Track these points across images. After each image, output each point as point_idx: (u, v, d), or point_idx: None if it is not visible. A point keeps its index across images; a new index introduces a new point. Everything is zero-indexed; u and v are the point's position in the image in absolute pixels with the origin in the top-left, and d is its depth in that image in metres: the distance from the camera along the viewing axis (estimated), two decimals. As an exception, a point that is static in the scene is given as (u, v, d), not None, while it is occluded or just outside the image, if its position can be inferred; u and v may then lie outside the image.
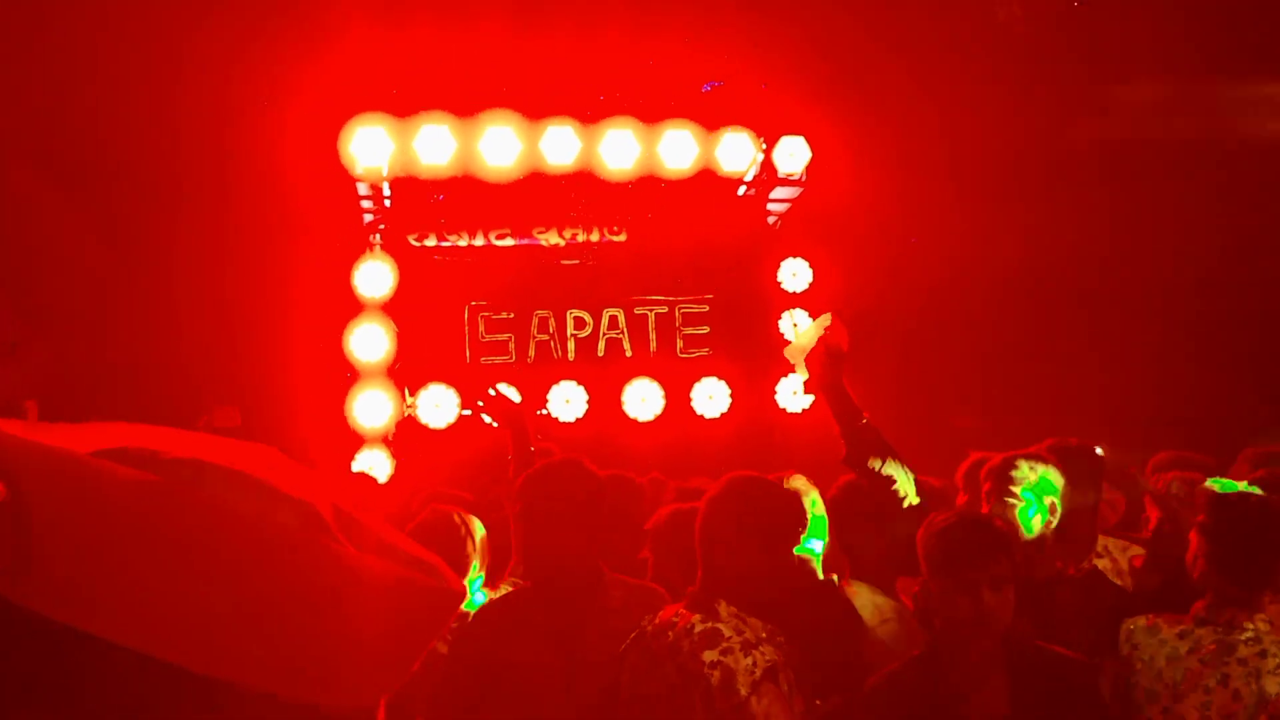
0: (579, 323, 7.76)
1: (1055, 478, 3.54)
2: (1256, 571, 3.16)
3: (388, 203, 7.72)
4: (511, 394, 7.46)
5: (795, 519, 3.10)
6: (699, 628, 2.81)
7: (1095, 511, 3.97)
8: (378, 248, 7.62)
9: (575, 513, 3.12)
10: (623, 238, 7.86)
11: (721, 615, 2.83)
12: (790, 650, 2.85)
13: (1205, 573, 3.20)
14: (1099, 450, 4.13)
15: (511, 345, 7.69)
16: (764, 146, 7.80)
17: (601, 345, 7.76)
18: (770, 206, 8.13)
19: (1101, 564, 3.91)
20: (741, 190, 8.09)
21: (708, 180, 7.83)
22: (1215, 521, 3.23)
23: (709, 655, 2.74)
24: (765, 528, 2.95)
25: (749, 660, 2.72)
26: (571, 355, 7.72)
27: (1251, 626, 3.07)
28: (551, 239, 7.81)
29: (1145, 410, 7.92)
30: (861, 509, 3.64)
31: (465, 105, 7.44)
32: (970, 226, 8.43)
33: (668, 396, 7.66)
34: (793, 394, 7.76)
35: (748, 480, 3.05)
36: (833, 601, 3.44)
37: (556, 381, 7.59)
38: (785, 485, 3.40)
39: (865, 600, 3.55)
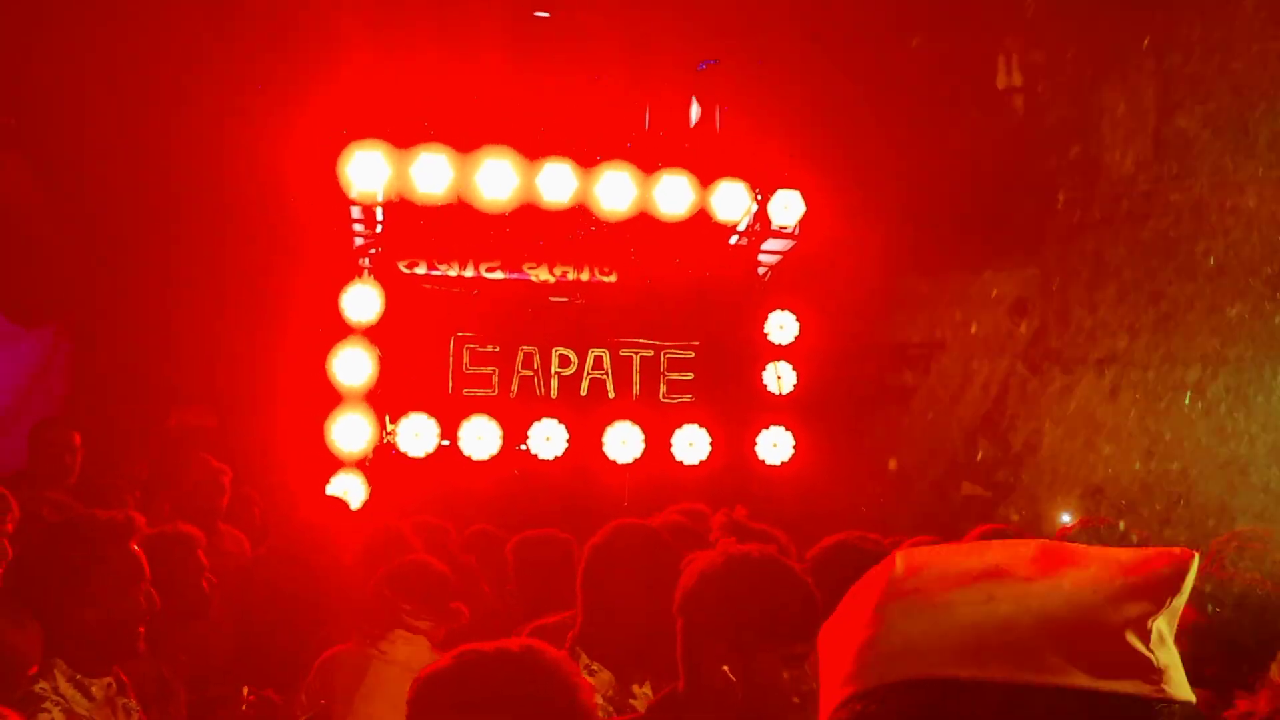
0: (564, 360, 7.76)
1: None
2: None
3: (379, 228, 7.73)
4: (492, 428, 7.56)
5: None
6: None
7: None
8: (367, 272, 7.62)
9: None
10: (613, 279, 7.88)
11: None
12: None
13: None
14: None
15: (495, 379, 7.69)
16: (759, 197, 7.84)
17: (585, 385, 7.76)
18: (761, 258, 8.16)
19: None
20: (734, 239, 8.12)
21: (701, 227, 7.86)
22: None
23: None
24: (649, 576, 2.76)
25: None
26: (554, 393, 7.72)
27: None
28: (542, 275, 7.82)
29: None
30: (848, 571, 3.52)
31: (465, 140, 7.46)
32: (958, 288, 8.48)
33: (648, 440, 7.65)
34: (772, 446, 7.77)
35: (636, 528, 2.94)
36: None
37: (538, 418, 7.57)
38: None
39: None
